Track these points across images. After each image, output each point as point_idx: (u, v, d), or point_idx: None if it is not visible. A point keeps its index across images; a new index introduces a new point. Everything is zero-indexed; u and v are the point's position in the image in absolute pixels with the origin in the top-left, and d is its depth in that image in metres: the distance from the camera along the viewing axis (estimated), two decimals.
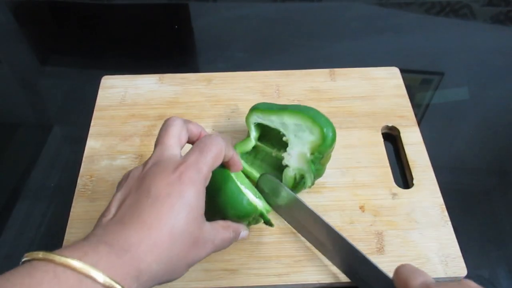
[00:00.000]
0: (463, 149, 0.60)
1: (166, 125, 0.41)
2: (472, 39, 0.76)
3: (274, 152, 0.52)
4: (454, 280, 0.37)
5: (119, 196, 0.36)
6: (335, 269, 0.46)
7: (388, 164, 0.55)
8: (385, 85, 0.63)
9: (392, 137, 0.59)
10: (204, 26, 0.79)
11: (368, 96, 0.62)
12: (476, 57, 0.72)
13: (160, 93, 0.63)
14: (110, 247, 0.31)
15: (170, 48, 0.76)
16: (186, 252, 0.35)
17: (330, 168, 0.54)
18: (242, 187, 0.43)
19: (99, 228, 0.34)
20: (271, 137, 0.53)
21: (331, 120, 0.55)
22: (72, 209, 0.51)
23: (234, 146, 0.53)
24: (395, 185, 0.53)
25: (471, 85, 0.67)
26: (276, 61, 0.70)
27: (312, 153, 0.47)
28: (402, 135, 0.57)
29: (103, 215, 0.35)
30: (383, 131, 0.59)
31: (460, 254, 0.47)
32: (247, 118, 0.53)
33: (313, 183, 0.49)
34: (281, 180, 0.49)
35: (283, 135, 0.49)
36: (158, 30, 0.79)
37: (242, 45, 0.75)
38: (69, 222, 0.50)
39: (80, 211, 0.51)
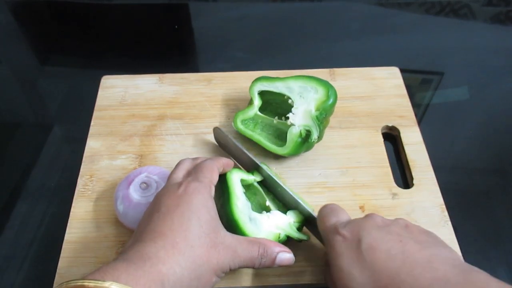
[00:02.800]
0: (463, 149, 0.60)
1: (177, 164, 0.45)
2: (472, 39, 0.76)
3: (275, 120, 0.55)
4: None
5: (136, 228, 0.39)
6: None
7: (388, 164, 0.55)
8: (385, 85, 0.63)
9: (392, 137, 0.59)
10: (204, 26, 0.79)
11: (368, 96, 0.62)
12: (476, 57, 0.72)
13: (160, 93, 0.63)
14: (128, 262, 0.33)
15: (170, 48, 0.76)
16: (207, 255, 0.36)
17: (330, 168, 0.54)
18: (254, 215, 0.43)
19: (120, 253, 0.36)
20: (272, 107, 0.57)
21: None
22: (72, 209, 0.51)
23: (236, 114, 0.56)
24: (395, 185, 0.53)
25: (471, 85, 0.67)
26: (276, 61, 0.71)
27: (317, 110, 0.51)
28: (402, 135, 0.57)
29: (125, 245, 0.38)
30: (383, 131, 0.59)
31: (460, 254, 0.47)
32: (251, 87, 0.56)
33: (320, 138, 0.53)
34: (284, 141, 0.53)
35: (288, 98, 0.53)
36: (158, 30, 0.79)
37: (242, 45, 0.75)
38: (69, 222, 0.50)
39: (80, 211, 0.51)
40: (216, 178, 0.42)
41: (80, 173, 0.54)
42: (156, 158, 0.56)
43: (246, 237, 0.40)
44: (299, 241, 0.44)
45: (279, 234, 0.43)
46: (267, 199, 0.47)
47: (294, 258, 0.41)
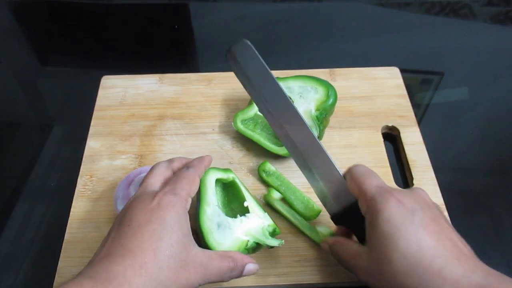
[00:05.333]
0: (463, 149, 0.60)
1: (151, 168, 0.43)
2: (472, 39, 0.76)
3: None
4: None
5: (105, 237, 0.37)
6: (335, 269, 0.46)
7: (388, 164, 0.55)
8: (385, 85, 0.63)
9: (392, 137, 0.59)
10: (204, 26, 0.79)
11: (368, 96, 0.62)
12: (476, 57, 0.72)
13: (160, 93, 0.63)
14: (94, 280, 0.31)
15: (170, 48, 0.76)
16: (176, 276, 0.34)
17: None
18: (225, 221, 0.42)
19: (87, 266, 0.34)
20: None
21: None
22: (72, 209, 0.51)
23: (236, 114, 0.56)
24: (395, 185, 0.53)
25: (471, 85, 0.67)
26: (276, 61, 0.70)
27: (317, 110, 0.51)
28: (402, 135, 0.57)
29: (92, 256, 0.36)
30: (383, 131, 0.59)
31: None
32: None
33: (320, 138, 0.53)
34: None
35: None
36: (158, 30, 0.79)
37: None
38: (69, 222, 0.50)
39: (80, 211, 0.51)
40: (195, 190, 0.41)
41: (80, 173, 0.54)
42: (156, 158, 0.56)
43: (217, 251, 0.39)
44: (270, 247, 0.43)
45: (247, 241, 0.42)
46: (246, 199, 0.46)
47: (258, 267, 0.40)
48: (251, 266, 0.40)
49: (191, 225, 0.38)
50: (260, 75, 0.43)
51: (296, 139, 0.43)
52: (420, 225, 0.34)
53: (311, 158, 0.42)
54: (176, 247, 0.35)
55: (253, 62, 0.43)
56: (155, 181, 0.41)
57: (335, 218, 0.43)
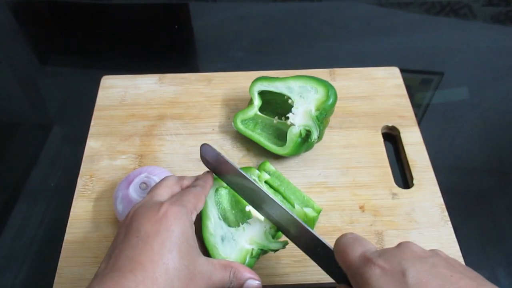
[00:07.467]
0: (463, 149, 0.60)
1: (161, 180, 0.43)
2: (472, 39, 0.76)
3: (275, 120, 0.55)
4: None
5: (112, 245, 0.37)
6: None
7: (388, 164, 0.55)
8: (385, 85, 0.63)
9: (392, 137, 0.59)
10: (204, 26, 0.79)
11: (368, 96, 0.62)
12: (476, 57, 0.72)
13: (160, 93, 0.63)
14: None
15: (170, 48, 0.76)
16: (185, 287, 0.35)
17: (330, 168, 0.54)
18: (228, 233, 0.42)
19: (96, 279, 0.34)
20: (272, 107, 0.57)
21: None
22: (72, 209, 0.51)
23: (236, 114, 0.56)
24: (395, 185, 0.53)
25: (471, 85, 0.67)
26: (276, 61, 0.71)
27: (317, 110, 0.51)
28: (402, 135, 0.57)
29: (99, 267, 0.36)
30: (383, 131, 0.59)
31: (460, 254, 0.47)
32: (250, 88, 0.56)
33: (320, 138, 0.53)
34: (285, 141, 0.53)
35: (288, 98, 0.53)
36: (158, 30, 0.79)
37: (242, 45, 0.75)
38: (69, 222, 0.50)
39: (80, 211, 0.51)
40: (200, 206, 0.41)
41: (80, 173, 0.54)
42: (156, 158, 0.56)
43: (220, 260, 0.39)
44: (274, 251, 0.43)
45: (252, 250, 0.42)
46: (247, 204, 0.46)
47: (261, 285, 0.40)
48: (253, 283, 0.40)
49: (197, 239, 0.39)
50: (228, 170, 0.44)
51: (279, 219, 0.43)
52: (416, 283, 0.31)
53: (300, 238, 0.42)
54: (185, 259, 0.35)
55: (219, 159, 0.44)
56: (163, 192, 0.41)
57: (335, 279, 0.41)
